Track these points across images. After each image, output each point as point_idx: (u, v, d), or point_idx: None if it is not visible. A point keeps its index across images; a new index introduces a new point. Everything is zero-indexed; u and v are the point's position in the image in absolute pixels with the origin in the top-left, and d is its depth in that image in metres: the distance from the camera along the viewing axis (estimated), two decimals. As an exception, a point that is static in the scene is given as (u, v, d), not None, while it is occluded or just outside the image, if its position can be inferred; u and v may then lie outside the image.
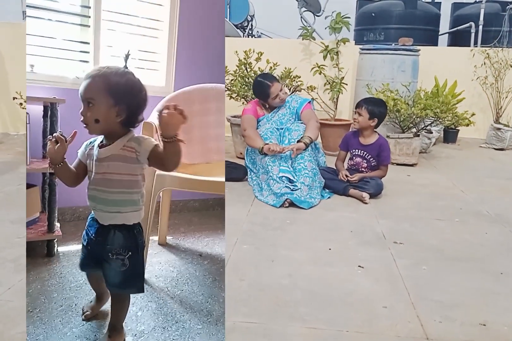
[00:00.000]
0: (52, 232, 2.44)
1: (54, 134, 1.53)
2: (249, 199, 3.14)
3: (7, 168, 3.75)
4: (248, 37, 8.14)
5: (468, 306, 1.82)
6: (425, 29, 7.74)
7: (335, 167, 3.43)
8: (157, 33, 3.44)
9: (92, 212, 1.66)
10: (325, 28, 5.05)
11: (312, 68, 4.95)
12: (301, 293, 1.87)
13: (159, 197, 2.56)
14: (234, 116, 4.42)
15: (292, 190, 3.05)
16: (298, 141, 3.19)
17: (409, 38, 5.12)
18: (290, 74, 4.54)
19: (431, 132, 4.87)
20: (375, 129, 3.37)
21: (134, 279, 1.67)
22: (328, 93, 4.97)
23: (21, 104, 4.12)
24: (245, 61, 4.50)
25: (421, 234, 2.59)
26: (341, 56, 5.11)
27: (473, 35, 7.61)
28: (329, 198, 3.21)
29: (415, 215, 2.91)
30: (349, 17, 4.97)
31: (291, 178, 3.11)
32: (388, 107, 4.27)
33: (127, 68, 1.59)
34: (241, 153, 4.33)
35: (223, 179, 2.28)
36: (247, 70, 4.51)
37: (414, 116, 4.26)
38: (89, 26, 3.18)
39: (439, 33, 8.24)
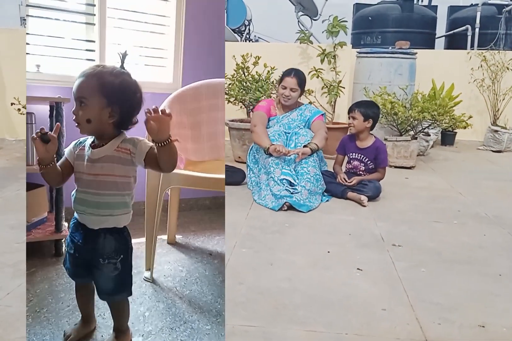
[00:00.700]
0: (59, 232, 2.44)
1: (41, 132, 1.44)
2: (248, 202, 3.15)
3: (5, 174, 3.76)
4: (245, 41, 8.16)
5: (467, 308, 1.82)
6: (422, 32, 7.77)
7: (333, 171, 3.43)
8: (163, 29, 3.45)
9: (77, 216, 1.60)
10: (322, 32, 5.08)
11: (310, 72, 4.97)
12: (300, 296, 1.87)
13: (167, 195, 2.55)
14: (232, 120, 4.43)
15: (291, 193, 3.06)
16: (304, 146, 3.19)
17: (406, 41, 5.15)
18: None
19: (429, 135, 4.88)
20: (371, 133, 3.38)
21: (126, 283, 1.65)
22: (326, 96, 4.99)
23: (19, 110, 4.12)
24: (243, 66, 4.52)
25: (420, 236, 2.59)
26: (339, 59, 5.13)
27: (469, 38, 7.64)
28: (327, 201, 3.22)
29: (414, 217, 2.92)
30: (346, 21, 4.99)
31: (292, 181, 3.11)
32: (385, 110, 4.30)
33: (123, 68, 1.55)
34: (239, 157, 4.34)
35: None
36: (244, 75, 4.53)
37: (411, 119, 4.28)
38: (94, 24, 3.18)
39: (436, 36, 8.27)
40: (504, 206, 3.20)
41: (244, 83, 4.47)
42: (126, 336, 1.70)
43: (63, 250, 2.44)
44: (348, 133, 3.44)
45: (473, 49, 7.19)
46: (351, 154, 3.39)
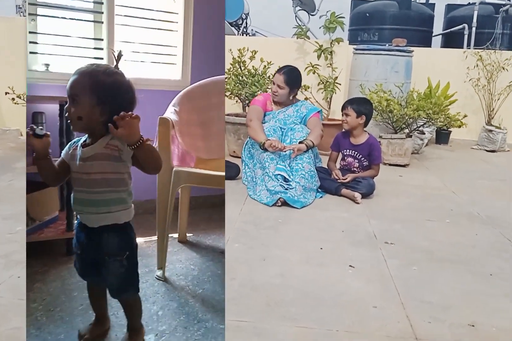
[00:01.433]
0: (71, 231, 2.44)
1: (32, 128, 1.47)
2: (242, 197, 3.15)
3: (-2, 164, 3.73)
4: (242, 35, 8.13)
5: (457, 307, 1.83)
6: (419, 30, 7.76)
7: (327, 168, 3.44)
8: (172, 25, 3.43)
9: (78, 217, 1.62)
10: (320, 28, 5.07)
11: (306, 68, 4.96)
12: (292, 293, 1.87)
13: (177, 193, 2.54)
14: (228, 115, 4.41)
15: (286, 189, 3.06)
16: (300, 143, 3.19)
17: (403, 39, 5.15)
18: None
19: (424, 133, 4.90)
20: (365, 130, 3.39)
21: (132, 279, 1.65)
22: (322, 92, 4.99)
23: (13, 99, 4.09)
24: (239, 60, 4.50)
25: (412, 234, 2.60)
26: (335, 56, 5.13)
27: (466, 37, 7.65)
28: (321, 197, 3.23)
29: (407, 215, 2.93)
30: (343, 17, 4.98)
31: (287, 176, 3.11)
32: (381, 108, 4.30)
33: (117, 68, 1.57)
34: (234, 151, 4.33)
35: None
36: (241, 69, 4.51)
37: (406, 117, 4.28)
38: (102, 23, 3.16)
39: (433, 35, 8.27)
40: (496, 205, 3.22)
41: (240, 78, 4.46)
42: (140, 334, 1.70)
43: None
44: (342, 130, 3.44)
45: (469, 48, 7.20)
46: (345, 151, 3.40)
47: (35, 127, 1.47)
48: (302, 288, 1.92)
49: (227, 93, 4.46)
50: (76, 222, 1.65)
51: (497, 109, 5.65)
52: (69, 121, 1.51)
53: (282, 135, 3.34)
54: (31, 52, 3.03)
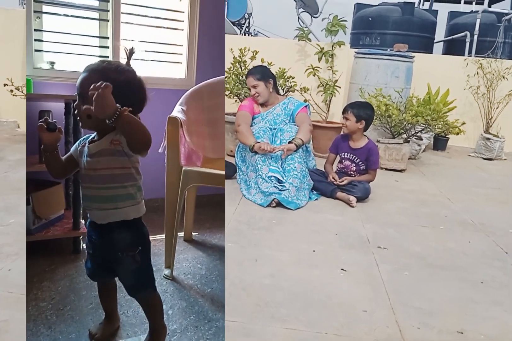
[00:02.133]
0: (77, 229, 2.44)
1: (46, 122, 1.48)
2: (237, 197, 3.14)
3: (-6, 155, 3.72)
4: (244, 35, 8.13)
5: (447, 313, 1.83)
6: (421, 36, 7.78)
7: (324, 170, 3.44)
8: (177, 24, 3.43)
9: (88, 215, 1.61)
10: (322, 30, 5.06)
11: (307, 70, 4.96)
12: (282, 294, 1.87)
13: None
14: (226, 114, 4.40)
15: (280, 190, 3.06)
16: (289, 143, 3.19)
17: (405, 44, 5.15)
18: (284, 75, 4.54)
19: (421, 139, 4.90)
20: (365, 134, 3.38)
21: (148, 276, 1.64)
22: (321, 95, 4.98)
23: (11, 91, 4.07)
24: (240, 59, 4.50)
25: (405, 240, 2.60)
26: (336, 59, 5.12)
27: (468, 44, 7.67)
28: (316, 199, 3.22)
29: (401, 220, 2.93)
30: (345, 21, 4.97)
31: (280, 178, 3.11)
32: (380, 112, 4.30)
33: (129, 65, 1.56)
34: (231, 150, 4.32)
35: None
36: (241, 68, 4.50)
37: (405, 123, 4.29)
38: (108, 21, 3.16)
39: (435, 41, 8.29)
40: (490, 213, 3.22)
41: (240, 77, 4.45)
42: (161, 335, 1.69)
43: (81, 247, 2.45)
44: (342, 132, 3.44)
45: (470, 56, 7.21)
46: (343, 154, 3.39)
47: (49, 120, 1.48)
48: (292, 289, 1.92)
49: (227, 93, 4.46)
50: (88, 220, 1.64)
51: (495, 117, 5.65)
52: (78, 119, 1.50)
53: (272, 136, 3.34)
54: (36, 50, 3.03)
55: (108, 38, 3.16)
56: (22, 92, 4.10)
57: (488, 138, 5.34)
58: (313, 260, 2.23)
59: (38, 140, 2.34)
